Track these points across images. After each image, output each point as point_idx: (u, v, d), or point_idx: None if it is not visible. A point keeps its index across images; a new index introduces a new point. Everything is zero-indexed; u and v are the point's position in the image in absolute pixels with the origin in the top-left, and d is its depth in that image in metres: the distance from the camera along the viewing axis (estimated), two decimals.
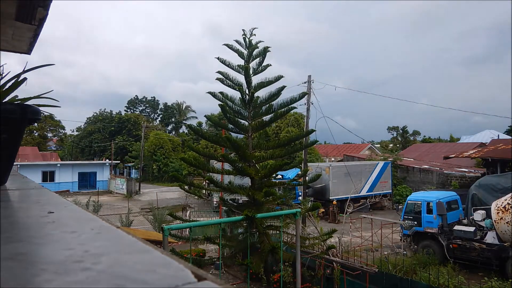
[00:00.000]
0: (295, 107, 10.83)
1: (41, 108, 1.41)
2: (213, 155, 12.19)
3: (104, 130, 56.69)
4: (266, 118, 10.88)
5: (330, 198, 24.37)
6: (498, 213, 13.03)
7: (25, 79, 1.49)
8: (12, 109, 1.18)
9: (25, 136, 52.39)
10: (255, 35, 10.68)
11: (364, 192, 26.36)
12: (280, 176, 20.95)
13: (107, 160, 47.49)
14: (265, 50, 10.78)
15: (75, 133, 62.82)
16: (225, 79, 10.76)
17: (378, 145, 62.31)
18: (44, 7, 2.18)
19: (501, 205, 13.14)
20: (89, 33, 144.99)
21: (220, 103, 10.49)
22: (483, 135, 44.36)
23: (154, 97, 72.64)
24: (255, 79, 10.74)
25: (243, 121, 10.74)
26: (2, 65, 1.58)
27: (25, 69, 1.52)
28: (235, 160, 10.33)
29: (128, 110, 69.07)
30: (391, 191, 28.15)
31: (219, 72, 10.81)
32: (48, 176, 39.89)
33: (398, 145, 64.87)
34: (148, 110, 72.22)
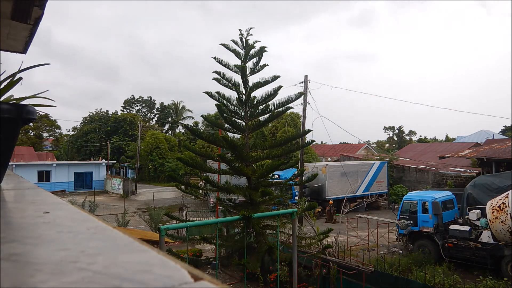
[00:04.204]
0: (291, 107, 10.84)
1: (36, 108, 1.40)
2: (209, 155, 12.21)
3: (100, 130, 56.44)
4: (263, 118, 10.89)
5: (327, 197, 24.44)
6: (493, 212, 13.12)
7: (20, 78, 1.48)
8: (7, 108, 1.17)
9: (21, 135, 52.09)
10: (251, 35, 10.69)
11: (360, 192, 26.46)
12: (277, 176, 20.95)
13: (103, 160, 47.30)
14: (262, 50, 10.78)
15: (71, 132, 62.51)
16: (222, 79, 10.75)
17: (374, 145, 62.60)
18: (40, 6, 2.16)
19: (496, 204, 13.23)
20: None
21: (217, 103, 10.48)
22: (478, 135, 44.68)
23: (150, 96, 72.43)
24: (252, 79, 10.74)
25: (239, 121, 10.74)
26: None
27: (20, 69, 1.51)
28: (231, 160, 10.33)
29: (124, 110, 68.79)
30: (387, 190, 28.28)
31: (216, 72, 10.79)
32: (43, 176, 39.67)
33: (394, 145, 65.23)
34: (145, 110, 71.97)
